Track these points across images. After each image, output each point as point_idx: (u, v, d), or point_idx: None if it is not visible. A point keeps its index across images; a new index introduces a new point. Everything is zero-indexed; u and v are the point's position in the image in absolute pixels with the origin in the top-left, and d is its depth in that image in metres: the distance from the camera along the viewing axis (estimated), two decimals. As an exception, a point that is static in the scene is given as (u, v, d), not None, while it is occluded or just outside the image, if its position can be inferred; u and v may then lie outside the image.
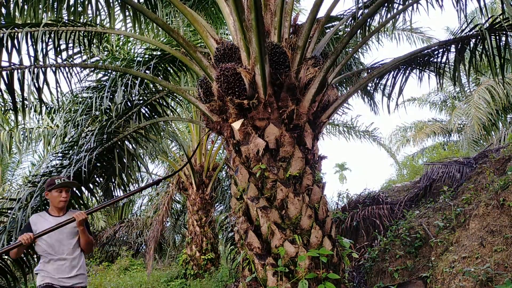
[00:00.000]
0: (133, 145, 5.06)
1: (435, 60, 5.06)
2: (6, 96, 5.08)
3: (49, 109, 8.67)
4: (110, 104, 5.01)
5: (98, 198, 5.13)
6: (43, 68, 4.16)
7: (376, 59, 7.36)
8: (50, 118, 8.99)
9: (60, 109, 7.51)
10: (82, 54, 5.08)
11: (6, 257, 4.28)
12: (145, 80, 5.10)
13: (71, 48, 4.64)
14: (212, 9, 6.08)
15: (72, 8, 4.77)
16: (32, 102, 8.11)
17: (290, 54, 3.61)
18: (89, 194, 4.90)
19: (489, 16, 4.40)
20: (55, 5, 4.69)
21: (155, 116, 5.37)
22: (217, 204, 9.83)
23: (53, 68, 4.30)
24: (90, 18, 5.06)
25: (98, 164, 4.79)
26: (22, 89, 4.05)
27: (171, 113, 5.92)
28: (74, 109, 5.92)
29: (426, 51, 4.75)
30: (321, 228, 3.47)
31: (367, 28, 5.70)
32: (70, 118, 5.69)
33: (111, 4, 5.01)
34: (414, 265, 5.26)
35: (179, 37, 3.87)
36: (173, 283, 8.76)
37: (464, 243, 4.64)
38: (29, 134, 8.89)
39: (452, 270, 4.37)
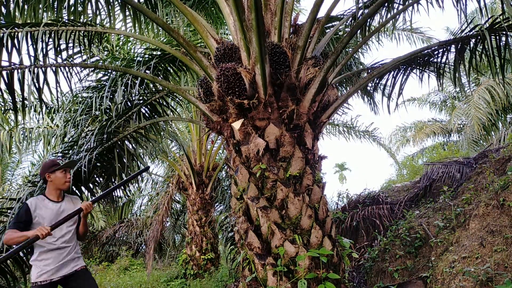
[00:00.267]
0: (133, 145, 5.06)
1: (435, 60, 5.06)
2: (6, 96, 5.08)
3: (49, 109, 8.67)
4: (110, 104, 5.01)
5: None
6: (43, 68, 4.16)
7: (376, 59, 7.37)
8: (50, 118, 8.99)
9: (60, 109, 7.51)
10: (82, 54, 5.08)
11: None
12: (145, 80, 5.10)
13: (71, 48, 4.64)
14: (212, 9, 6.08)
15: (72, 8, 4.77)
16: (32, 102, 8.11)
17: (290, 54, 3.61)
18: (89, 194, 4.90)
19: (489, 16, 4.40)
20: (55, 5, 4.69)
21: (155, 116, 5.37)
22: (217, 204, 9.83)
23: (53, 68, 4.29)
24: (90, 18, 5.06)
25: (98, 164, 4.79)
26: (22, 89, 4.05)
27: (171, 113, 5.93)
28: (74, 109, 5.92)
29: (426, 51, 4.75)
30: (321, 228, 3.47)
31: (367, 28, 5.70)
32: (70, 118, 5.69)
33: (111, 3, 5.02)
34: (414, 265, 5.26)
35: (179, 37, 3.87)
36: (173, 283, 8.76)
37: (464, 243, 4.64)
38: (29, 134, 8.89)
39: (452, 270, 4.37)
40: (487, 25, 4.26)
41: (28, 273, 4.59)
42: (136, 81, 4.99)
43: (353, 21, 5.56)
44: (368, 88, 6.53)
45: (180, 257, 9.88)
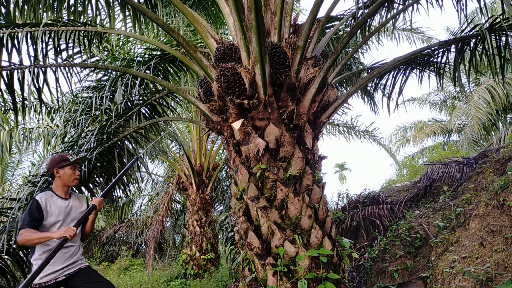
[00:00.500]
0: (133, 145, 5.06)
1: (435, 60, 5.06)
2: (6, 96, 5.09)
3: (49, 109, 8.68)
4: (110, 104, 5.01)
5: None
6: (43, 68, 4.16)
7: (376, 59, 7.37)
8: (50, 118, 8.99)
9: (60, 109, 7.51)
10: (82, 54, 5.08)
11: (6, 257, 4.29)
12: (145, 80, 5.11)
13: (71, 48, 4.64)
14: (212, 9, 6.08)
15: (72, 8, 4.77)
16: (32, 102, 8.11)
17: (290, 54, 3.62)
18: (89, 194, 4.90)
19: (489, 16, 4.40)
20: (55, 5, 4.70)
21: (155, 116, 5.38)
22: (217, 204, 9.83)
23: (53, 68, 4.30)
24: (90, 18, 5.06)
25: (98, 164, 4.79)
26: (22, 89, 4.05)
27: (171, 113, 5.93)
28: (74, 109, 5.92)
29: (426, 51, 4.75)
30: (321, 228, 3.47)
31: (367, 28, 5.70)
32: (70, 118, 5.70)
33: (111, 4, 5.02)
34: (414, 265, 5.26)
35: (179, 37, 3.87)
36: (173, 283, 8.76)
37: (464, 243, 4.64)
38: (29, 134, 8.90)
39: (452, 270, 4.37)
40: (487, 25, 4.26)
41: (28, 273, 4.59)
42: (136, 81, 4.99)
43: (353, 21, 5.56)
44: (368, 88, 6.53)
45: (180, 257, 9.89)
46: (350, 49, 6.04)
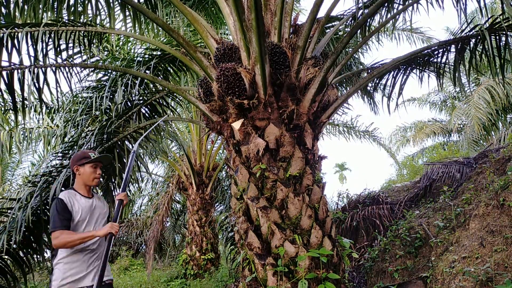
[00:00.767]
0: (133, 145, 5.06)
1: (435, 60, 5.06)
2: (6, 96, 5.08)
3: (49, 109, 8.68)
4: (110, 104, 5.02)
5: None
6: (43, 68, 4.16)
7: (376, 59, 7.38)
8: (50, 118, 8.99)
9: (60, 109, 7.51)
10: (82, 54, 5.09)
11: (6, 257, 4.29)
12: (145, 80, 5.11)
13: (71, 48, 4.64)
14: (212, 9, 6.08)
15: (72, 8, 4.77)
16: (32, 102, 8.11)
17: (290, 54, 3.62)
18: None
19: (489, 16, 4.41)
20: (55, 5, 4.70)
21: (155, 116, 5.37)
22: (217, 204, 9.84)
23: (53, 68, 4.30)
24: (90, 18, 5.06)
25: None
26: (22, 89, 4.05)
27: (171, 113, 5.93)
28: (74, 109, 5.92)
29: (426, 51, 4.76)
30: (321, 228, 3.47)
31: (367, 28, 5.70)
32: (70, 118, 5.70)
33: (111, 4, 5.02)
34: (414, 265, 5.26)
35: (179, 37, 3.87)
36: (173, 283, 8.76)
37: (464, 243, 4.64)
38: (29, 134, 8.90)
39: (452, 270, 4.37)
40: (487, 25, 4.26)
41: (28, 273, 4.59)
42: (136, 81, 4.99)
43: (353, 21, 5.56)
44: (368, 88, 6.53)
45: (180, 257, 9.89)
46: (350, 49, 6.04)
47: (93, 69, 5.20)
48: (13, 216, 4.10)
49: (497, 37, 4.29)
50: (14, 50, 4.03)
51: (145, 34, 5.86)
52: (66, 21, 4.43)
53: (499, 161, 6.15)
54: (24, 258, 4.39)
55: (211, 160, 9.56)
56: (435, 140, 16.58)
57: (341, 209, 7.77)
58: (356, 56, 7.10)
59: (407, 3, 5.06)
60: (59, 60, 4.55)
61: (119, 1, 5.07)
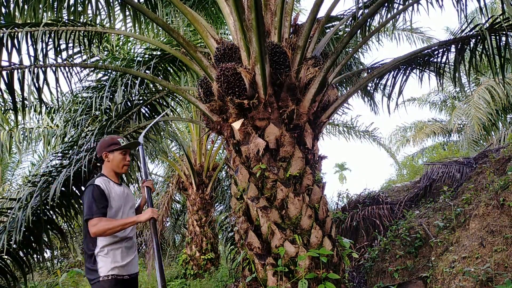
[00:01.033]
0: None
1: (435, 60, 5.06)
2: (6, 96, 5.08)
3: (49, 109, 8.68)
4: (110, 104, 5.01)
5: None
6: (43, 68, 4.16)
7: (376, 59, 7.37)
8: (50, 118, 8.99)
9: (60, 109, 7.51)
10: (82, 54, 5.08)
11: (6, 257, 4.28)
12: (145, 80, 5.10)
13: (71, 48, 4.64)
14: (212, 9, 6.08)
15: (72, 8, 4.77)
16: (32, 102, 8.11)
17: (290, 54, 3.62)
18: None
19: (489, 16, 4.40)
20: (55, 5, 4.69)
21: (155, 116, 5.37)
22: (217, 204, 9.83)
23: (53, 68, 4.29)
24: (90, 18, 5.06)
25: (98, 164, 4.78)
26: (22, 89, 4.05)
27: (171, 113, 5.92)
28: (74, 109, 5.92)
29: (426, 51, 4.75)
30: (321, 228, 3.47)
31: (367, 28, 5.70)
32: (70, 118, 5.70)
33: (111, 4, 5.02)
34: (414, 265, 5.26)
35: (179, 37, 3.87)
36: (173, 283, 8.75)
37: (464, 243, 4.64)
38: (29, 134, 8.90)
39: (452, 270, 4.37)
40: (487, 25, 4.26)
41: (28, 273, 4.58)
42: (136, 81, 4.99)
43: (353, 21, 5.56)
44: (368, 88, 6.53)
45: (180, 257, 9.88)
46: (350, 49, 6.04)
47: (93, 69, 5.20)
48: (13, 216, 4.10)
49: (497, 37, 4.29)
50: (14, 50, 4.03)
51: (145, 34, 5.86)
52: (66, 21, 4.43)
53: (499, 161, 6.15)
54: (24, 258, 4.38)
55: (211, 160, 9.56)
56: (435, 140, 16.59)
57: (341, 209, 7.77)
58: (356, 56, 7.10)
59: (407, 3, 5.06)
60: (59, 60, 4.55)
61: (119, 1, 5.07)
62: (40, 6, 4.56)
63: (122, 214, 2.68)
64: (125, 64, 5.56)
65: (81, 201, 4.67)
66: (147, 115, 5.33)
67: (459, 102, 15.75)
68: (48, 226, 4.49)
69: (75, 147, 4.71)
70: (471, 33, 4.41)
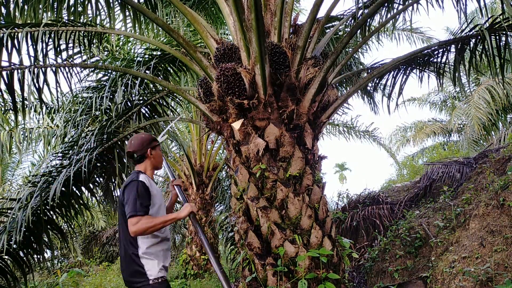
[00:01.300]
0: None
1: (435, 60, 5.06)
2: (6, 96, 5.08)
3: (49, 109, 8.67)
4: (110, 104, 5.01)
5: (98, 198, 5.13)
6: (43, 68, 4.16)
7: (376, 59, 7.37)
8: (50, 118, 8.98)
9: (60, 109, 7.51)
10: (82, 54, 5.08)
11: (6, 257, 4.29)
12: (145, 80, 5.10)
13: (71, 48, 4.64)
14: (212, 9, 6.08)
15: (72, 8, 4.77)
16: (32, 102, 8.11)
17: (290, 54, 3.62)
18: (89, 194, 4.90)
19: (489, 16, 4.41)
20: (55, 5, 4.70)
21: (155, 116, 5.38)
22: (217, 204, 9.83)
23: (53, 68, 4.29)
24: (90, 18, 5.06)
25: (98, 164, 4.79)
26: (22, 89, 4.05)
27: (171, 113, 5.93)
28: (74, 109, 5.92)
29: (426, 51, 4.75)
30: (321, 228, 3.47)
31: (367, 28, 5.70)
32: (70, 118, 5.70)
33: (111, 4, 5.02)
34: (414, 265, 5.26)
35: (179, 37, 3.87)
36: (173, 283, 8.74)
37: (464, 243, 4.64)
38: (29, 134, 8.89)
39: (452, 270, 4.37)
40: (487, 25, 4.26)
41: (28, 273, 4.58)
42: (136, 81, 4.99)
43: (353, 21, 5.56)
44: (368, 88, 6.53)
45: (180, 257, 9.88)
46: (350, 49, 6.04)
47: (93, 69, 5.20)
48: (13, 216, 4.10)
49: (497, 37, 4.29)
50: (14, 50, 4.03)
51: (145, 34, 5.86)
52: (66, 21, 4.43)
53: (499, 161, 6.15)
54: (24, 258, 4.39)
55: (211, 160, 9.55)
56: (435, 140, 16.59)
57: (341, 209, 7.77)
58: (356, 56, 7.10)
59: (407, 3, 5.06)
60: (59, 60, 4.55)
61: (119, 1, 5.07)
62: (40, 6, 4.56)
63: (163, 211, 2.62)
64: (125, 64, 5.57)
65: (80, 201, 4.68)
66: (147, 115, 5.33)
67: (459, 102, 15.75)
68: (48, 226, 4.49)
69: (75, 147, 4.72)
70: (471, 33, 4.41)
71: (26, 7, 4.50)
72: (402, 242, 5.60)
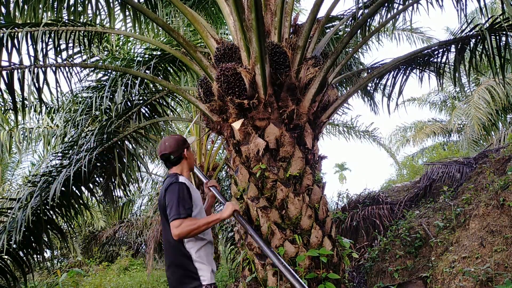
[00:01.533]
0: (133, 145, 5.05)
1: (435, 60, 5.06)
2: (6, 96, 5.08)
3: (49, 109, 8.66)
4: (110, 104, 5.01)
5: (98, 198, 5.13)
6: (43, 68, 4.16)
7: (376, 59, 7.37)
8: (50, 118, 8.98)
9: (60, 109, 7.50)
10: (82, 54, 5.08)
11: (6, 256, 4.29)
12: (145, 80, 5.10)
13: (71, 48, 4.64)
14: (212, 9, 6.08)
15: (72, 8, 4.77)
16: (32, 102, 8.10)
17: (290, 54, 3.61)
18: (89, 194, 4.90)
19: (489, 16, 4.40)
20: (55, 5, 4.69)
21: (155, 116, 5.37)
22: (217, 204, 9.82)
23: (53, 68, 4.29)
24: (90, 18, 5.06)
25: (98, 164, 4.79)
26: (22, 89, 4.05)
27: (171, 113, 5.92)
28: (74, 109, 5.91)
29: (426, 51, 4.75)
30: (321, 228, 3.47)
31: (367, 28, 5.70)
32: (70, 118, 5.69)
33: (111, 4, 5.02)
34: (414, 265, 5.26)
35: (179, 37, 3.87)
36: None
37: (464, 243, 4.64)
38: (29, 134, 8.89)
39: (452, 270, 4.37)
40: (487, 25, 4.26)
41: (28, 273, 4.58)
42: (136, 81, 4.99)
43: (353, 21, 5.56)
44: (368, 88, 6.53)
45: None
46: (350, 49, 6.04)
47: (93, 69, 5.20)
48: (13, 216, 4.10)
49: (497, 37, 4.29)
50: (14, 50, 4.03)
51: (145, 34, 5.86)
52: (66, 21, 4.43)
53: (499, 161, 6.15)
54: (24, 258, 4.38)
55: (211, 160, 9.54)
56: (435, 140, 16.58)
57: (341, 209, 7.77)
58: (356, 56, 7.10)
59: (407, 3, 5.05)
60: (59, 60, 4.54)
61: (119, 1, 5.07)
62: (40, 6, 4.55)
63: (204, 214, 2.54)
64: (125, 64, 5.56)
65: (80, 201, 4.68)
66: (147, 115, 5.33)
67: (459, 102, 15.75)
68: (48, 226, 4.49)
69: (75, 147, 4.71)
70: (471, 33, 4.41)
71: (26, 7, 4.50)
72: (402, 242, 5.60)
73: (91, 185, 4.83)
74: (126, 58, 6.05)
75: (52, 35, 4.31)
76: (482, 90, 10.87)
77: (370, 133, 11.73)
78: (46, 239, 4.48)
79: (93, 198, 5.04)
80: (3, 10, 4.40)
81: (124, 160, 4.83)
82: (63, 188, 4.19)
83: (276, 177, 3.49)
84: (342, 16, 5.69)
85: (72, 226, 5.09)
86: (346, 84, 6.86)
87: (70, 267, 11.87)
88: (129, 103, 5.20)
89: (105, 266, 11.34)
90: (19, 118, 6.73)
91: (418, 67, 5.29)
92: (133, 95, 5.10)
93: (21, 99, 4.20)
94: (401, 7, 5.19)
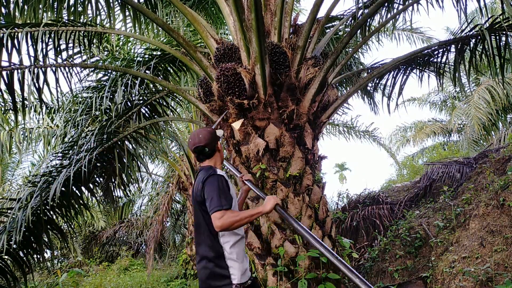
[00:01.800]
0: (133, 145, 5.05)
1: (435, 60, 5.06)
2: (6, 96, 5.08)
3: (49, 109, 8.66)
4: (110, 104, 5.01)
5: (98, 198, 5.13)
6: (43, 68, 4.16)
7: (376, 59, 7.38)
8: (50, 118, 8.98)
9: (60, 109, 7.51)
10: (82, 54, 5.08)
11: (6, 257, 4.28)
12: (145, 80, 5.10)
13: (71, 48, 4.64)
14: (212, 9, 6.08)
15: (72, 8, 4.77)
16: (32, 102, 8.11)
17: (290, 54, 3.62)
18: (89, 194, 4.89)
19: (489, 16, 4.40)
20: (55, 5, 4.69)
21: (155, 116, 5.37)
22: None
23: (53, 68, 4.29)
24: (90, 18, 5.06)
25: (98, 164, 4.79)
26: (22, 89, 4.05)
27: (171, 113, 5.92)
28: (74, 109, 5.91)
29: (426, 51, 4.76)
30: (321, 228, 3.47)
31: (367, 28, 5.70)
32: (70, 118, 5.69)
33: (111, 4, 5.02)
34: (414, 265, 5.26)
35: (179, 37, 3.87)
36: (173, 283, 8.75)
37: (464, 243, 4.64)
38: (29, 134, 8.89)
39: (452, 270, 4.37)
40: (487, 25, 4.26)
41: (28, 273, 4.58)
42: (136, 81, 4.99)
43: (353, 21, 5.56)
44: (368, 88, 6.53)
45: (180, 257, 9.88)
46: (350, 49, 6.04)
47: (93, 69, 5.20)
48: (13, 216, 4.10)
49: (497, 37, 4.29)
50: (14, 50, 4.03)
51: (145, 34, 5.86)
52: (66, 21, 4.43)
53: (499, 161, 6.15)
54: (24, 258, 4.38)
55: (211, 160, 9.53)
56: (435, 140, 16.58)
57: (341, 209, 7.77)
58: (356, 56, 7.10)
59: (407, 3, 5.05)
60: (59, 60, 4.54)
61: (119, 1, 5.07)
62: (40, 6, 4.55)
63: (238, 208, 2.49)
64: (125, 64, 5.56)
65: (80, 201, 4.68)
66: (147, 115, 5.33)
67: (459, 102, 15.75)
68: (48, 226, 4.49)
69: (75, 147, 4.71)
70: (471, 33, 4.41)
71: (26, 7, 4.50)
72: (402, 242, 5.60)
73: (91, 185, 4.82)
74: (126, 58, 6.05)
75: (52, 35, 4.31)
76: (482, 90, 10.87)
77: (370, 133, 11.73)
78: (46, 239, 4.48)
79: (93, 198, 5.04)
80: (3, 10, 4.40)
81: (124, 160, 4.83)
82: (63, 188, 4.19)
83: (276, 177, 3.49)
84: (342, 16, 5.69)
85: (72, 226, 5.08)
86: (346, 84, 6.86)
87: (70, 267, 11.88)
88: (129, 103, 5.20)
89: (105, 266, 11.35)
90: (19, 118, 6.73)
91: (418, 67, 5.29)
92: (133, 95, 5.10)
93: (21, 99, 4.20)
94: (401, 7, 5.19)
